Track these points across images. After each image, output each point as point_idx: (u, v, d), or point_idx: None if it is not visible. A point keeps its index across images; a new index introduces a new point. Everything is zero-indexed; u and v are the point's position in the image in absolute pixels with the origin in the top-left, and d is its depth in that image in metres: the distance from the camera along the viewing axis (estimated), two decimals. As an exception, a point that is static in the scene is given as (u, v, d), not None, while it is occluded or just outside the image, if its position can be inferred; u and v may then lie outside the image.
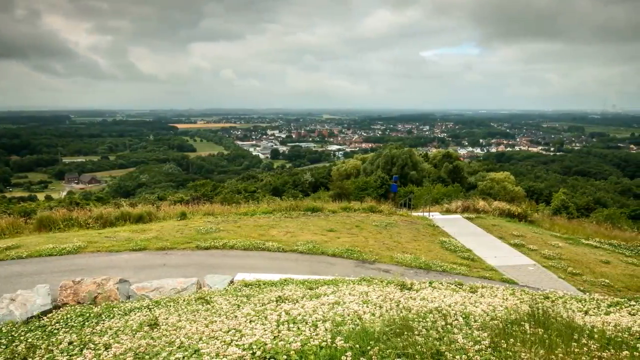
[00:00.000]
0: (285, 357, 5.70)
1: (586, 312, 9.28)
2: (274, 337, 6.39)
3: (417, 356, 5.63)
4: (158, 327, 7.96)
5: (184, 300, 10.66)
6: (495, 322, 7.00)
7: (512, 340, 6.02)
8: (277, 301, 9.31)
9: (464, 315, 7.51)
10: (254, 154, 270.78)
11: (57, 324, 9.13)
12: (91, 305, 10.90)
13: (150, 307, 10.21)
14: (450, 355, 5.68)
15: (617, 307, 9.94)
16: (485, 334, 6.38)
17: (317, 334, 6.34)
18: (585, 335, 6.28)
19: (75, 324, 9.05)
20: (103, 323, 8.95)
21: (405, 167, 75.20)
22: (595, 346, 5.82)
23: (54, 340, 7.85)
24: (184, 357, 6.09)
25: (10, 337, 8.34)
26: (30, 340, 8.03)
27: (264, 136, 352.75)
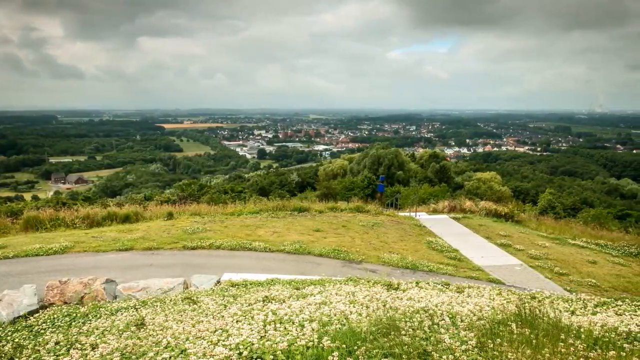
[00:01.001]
0: (272, 357, 5.70)
1: (573, 312, 9.30)
2: (261, 337, 6.39)
3: (403, 356, 5.63)
4: (145, 327, 7.94)
5: (170, 300, 10.64)
6: (482, 322, 7.01)
7: (498, 340, 6.03)
8: (263, 301, 9.30)
9: (450, 316, 7.51)
10: (240, 154, 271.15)
11: (43, 324, 9.09)
12: (78, 306, 10.86)
13: (137, 307, 10.18)
14: (437, 355, 5.69)
15: (604, 307, 9.97)
16: (472, 334, 6.39)
17: (303, 334, 6.34)
18: (572, 335, 6.29)
19: (62, 324, 9.02)
20: (90, 323, 8.92)
21: (392, 167, 75.30)
22: (582, 346, 5.83)
23: (40, 340, 7.82)
24: (170, 357, 6.09)
25: (-4, 338, 8.30)
26: (16, 340, 8.00)
27: (251, 136, 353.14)
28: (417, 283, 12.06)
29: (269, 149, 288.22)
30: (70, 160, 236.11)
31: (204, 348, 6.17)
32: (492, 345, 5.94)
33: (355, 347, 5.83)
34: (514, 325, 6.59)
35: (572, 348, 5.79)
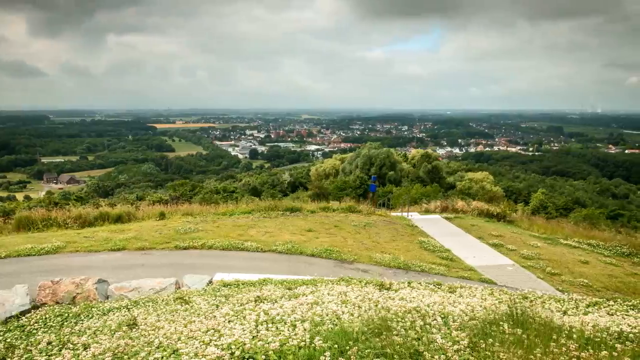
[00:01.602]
0: (264, 357, 5.69)
1: (565, 312, 9.32)
2: (253, 337, 6.38)
3: (395, 356, 5.63)
4: (137, 327, 7.93)
5: (162, 300, 10.63)
6: (474, 322, 7.01)
7: (490, 340, 6.03)
8: (255, 301, 9.29)
9: (442, 316, 7.50)
10: (232, 154, 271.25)
11: (35, 324, 9.10)
12: (70, 306, 10.86)
13: (129, 307, 10.18)
14: (429, 355, 5.68)
15: (596, 307, 10.00)
16: (464, 334, 6.39)
17: (295, 334, 6.33)
18: (564, 336, 6.30)
19: (54, 324, 9.03)
20: (82, 323, 8.92)
21: (383, 167, 75.31)
22: (574, 346, 5.83)
23: (32, 340, 7.83)
24: (162, 357, 6.08)
25: (-12, 338, 8.29)
26: (9, 340, 8.00)
27: (243, 136, 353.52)
28: (409, 283, 12.07)
29: (261, 149, 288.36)
30: (62, 160, 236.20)
31: (196, 348, 6.16)
32: (484, 345, 5.93)
33: (347, 347, 5.82)
34: (505, 326, 6.59)
35: (564, 348, 5.79)
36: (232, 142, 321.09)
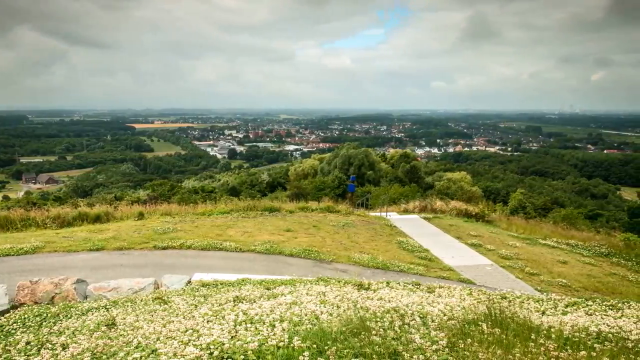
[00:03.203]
0: (242, 357, 5.66)
1: (543, 312, 9.34)
2: (232, 337, 6.36)
3: (374, 356, 5.62)
4: (115, 327, 7.91)
5: (141, 300, 10.61)
6: (453, 322, 7.01)
7: (469, 340, 6.03)
8: (234, 301, 9.28)
9: (421, 315, 7.50)
10: (211, 154, 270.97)
11: (14, 324, 9.07)
12: (49, 306, 10.84)
13: (107, 307, 10.16)
14: (408, 355, 5.67)
15: (574, 307, 10.02)
16: (443, 334, 6.39)
17: (274, 334, 6.31)
18: (543, 335, 6.31)
19: (32, 324, 9.00)
20: (60, 323, 8.89)
21: (362, 167, 75.34)
22: (552, 346, 5.84)
23: (11, 340, 7.79)
24: (141, 357, 6.04)
25: (-34, 338, 8.24)
26: (-13, 340, 7.95)
27: (222, 136, 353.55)
28: (387, 283, 12.08)
29: (239, 149, 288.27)
30: (41, 160, 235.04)
31: (175, 348, 6.13)
32: (462, 345, 5.93)
33: (326, 347, 5.81)
34: (484, 325, 6.59)
35: (542, 348, 5.79)
36: (211, 142, 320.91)
